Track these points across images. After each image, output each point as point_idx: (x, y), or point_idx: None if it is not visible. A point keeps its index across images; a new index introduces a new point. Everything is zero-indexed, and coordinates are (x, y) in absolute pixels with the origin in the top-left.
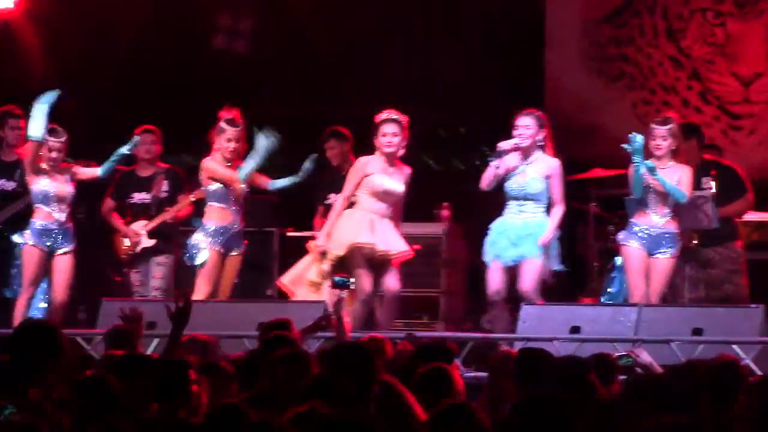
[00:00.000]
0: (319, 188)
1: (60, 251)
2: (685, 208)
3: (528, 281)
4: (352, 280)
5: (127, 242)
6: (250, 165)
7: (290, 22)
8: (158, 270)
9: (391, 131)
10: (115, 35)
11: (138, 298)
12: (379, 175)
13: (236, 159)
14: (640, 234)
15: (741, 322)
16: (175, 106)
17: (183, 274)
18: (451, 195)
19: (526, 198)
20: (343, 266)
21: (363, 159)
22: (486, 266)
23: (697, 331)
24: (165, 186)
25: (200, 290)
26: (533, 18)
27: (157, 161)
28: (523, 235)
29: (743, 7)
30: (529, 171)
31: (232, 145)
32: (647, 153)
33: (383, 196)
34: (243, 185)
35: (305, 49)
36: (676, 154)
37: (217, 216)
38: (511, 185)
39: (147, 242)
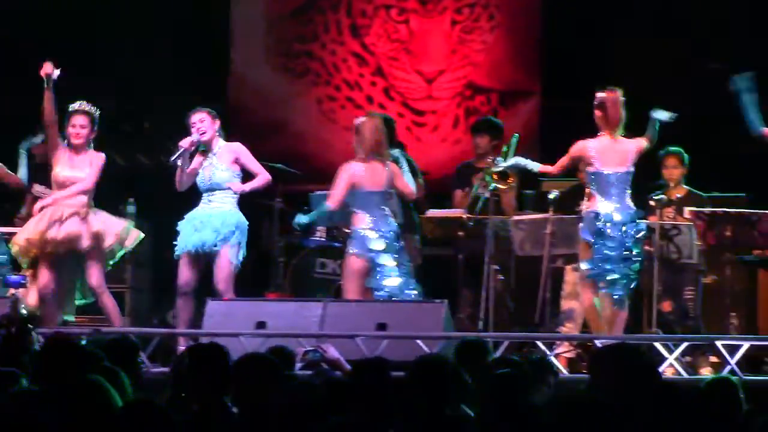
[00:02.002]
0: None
1: None
2: None
3: (222, 273)
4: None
5: None
6: None
7: None
8: None
9: (79, 123)
10: None
11: None
12: (60, 166)
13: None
14: None
15: (425, 317)
16: None
17: None
18: (137, 190)
19: (213, 189)
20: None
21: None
22: (174, 261)
23: (382, 326)
24: None
25: None
26: (219, 13)
27: None
28: (206, 220)
29: (426, 4)
30: (215, 162)
31: None
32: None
33: (61, 185)
34: None
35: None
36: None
37: None
38: (200, 179)
39: None
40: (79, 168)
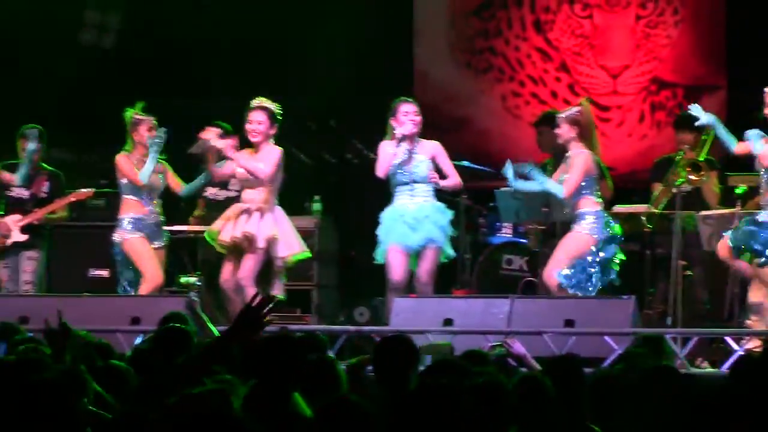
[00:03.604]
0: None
1: None
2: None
3: (426, 270)
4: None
5: None
6: (148, 166)
7: (156, 16)
8: (28, 264)
9: (256, 119)
10: None
11: (12, 294)
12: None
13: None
14: None
15: (612, 313)
16: (42, 102)
17: (53, 264)
18: (322, 187)
19: (415, 181)
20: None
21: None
22: (360, 258)
23: (569, 323)
24: (45, 187)
25: (150, 277)
26: (402, 10)
27: (38, 162)
28: (421, 218)
29: None
30: (415, 156)
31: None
32: None
33: (242, 182)
34: (149, 182)
35: (173, 42)
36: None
37: (131, 208)
38: (400, 171)
39: (18, 236)
40: (259, 160)
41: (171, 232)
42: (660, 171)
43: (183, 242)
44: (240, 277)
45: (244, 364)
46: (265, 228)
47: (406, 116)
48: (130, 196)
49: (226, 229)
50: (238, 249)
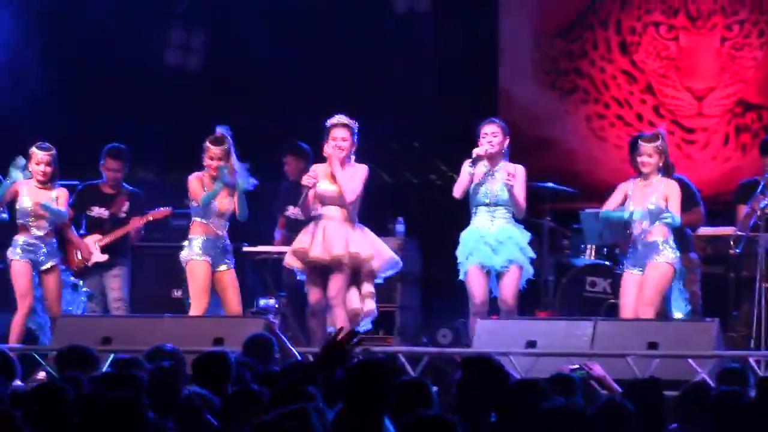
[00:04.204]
0: (280, 200)
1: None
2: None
3: (510, 291)
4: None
5: (79, 255)
6: (209, 195)
7: (238, 37)
8: (115, 281)
9: (341, 135)
10: (68, 51)
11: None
12: (321, 182)
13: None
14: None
15: (696, 336)
16: (128, 122)
17: (136, 284)
18: (405, 208)
19: (497, 204)
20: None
21: (312, 167)
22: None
23: (653, 345)
24: (126, 207)
25: (196, 302)
26: (486, 31)
27: (121, 183)
28: (503, 239)
29: (696, 21)
30: (497, 177)
31: (214, 163)
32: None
33: (323, 199)
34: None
35: (256, 63)
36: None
37: (199, 230)
38: (481, 192)
39: (99, 257)
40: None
41: (254, 253)
42: (745, 193)
43: (266, 263)
44: (330, 296)
45: (329, 388)
46: (357, 244)
47: (485, 137)
48: (199, 219)
49: (315, 245)
50: (325, 267)
